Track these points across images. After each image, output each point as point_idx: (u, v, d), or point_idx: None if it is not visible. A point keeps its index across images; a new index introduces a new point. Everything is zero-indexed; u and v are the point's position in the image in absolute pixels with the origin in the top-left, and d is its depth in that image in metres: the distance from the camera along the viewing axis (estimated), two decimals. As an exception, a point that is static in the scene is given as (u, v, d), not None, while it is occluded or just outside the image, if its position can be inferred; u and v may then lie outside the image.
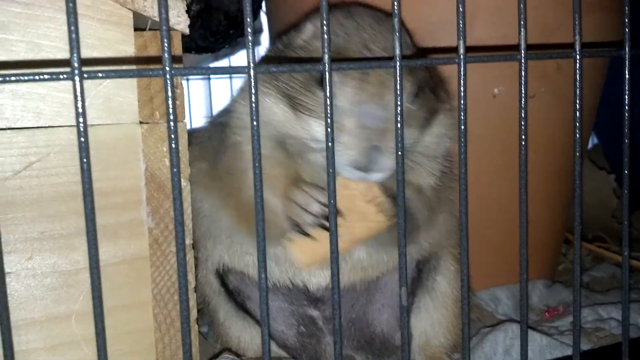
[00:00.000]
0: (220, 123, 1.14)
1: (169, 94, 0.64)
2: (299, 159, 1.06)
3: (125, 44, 0.92)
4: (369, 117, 0.95)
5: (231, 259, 1.18)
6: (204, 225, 1.17)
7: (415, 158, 1.06)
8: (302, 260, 1.04)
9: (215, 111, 2.86)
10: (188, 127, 1.04)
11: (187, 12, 0.94)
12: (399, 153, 0.76)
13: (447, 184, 1.13)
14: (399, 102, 0.74)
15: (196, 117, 2.90)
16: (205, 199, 1.15)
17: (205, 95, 2.96)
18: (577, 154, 0.86)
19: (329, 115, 0.71)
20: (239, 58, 2.64)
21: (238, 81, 2.44)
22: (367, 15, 1.07)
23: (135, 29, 0.93)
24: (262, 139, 1.03)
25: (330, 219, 0.73)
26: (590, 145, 2.29)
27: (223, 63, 2.66)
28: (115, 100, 0.92)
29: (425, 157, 1.08)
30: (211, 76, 2.49)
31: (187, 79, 2.00)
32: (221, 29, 1.49)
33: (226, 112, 1.15)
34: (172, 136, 0.65)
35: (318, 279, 1.13)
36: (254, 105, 0.68)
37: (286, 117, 1.03)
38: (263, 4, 1.64)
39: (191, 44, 1.50)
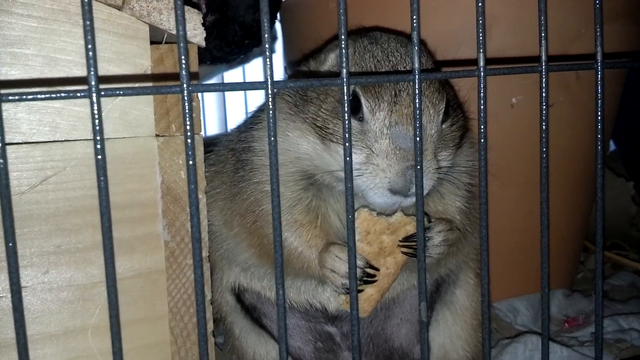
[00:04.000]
0: (237, 152, 1.13)
1: (187, 110, 0.63)
2: (329, 197, 1.07)
3: (141, 57, 0.92)
4: (402, 138, 0.94)
5: (247, 281, 1.19)
6: (222, 248, 1.17)
7: (444, 184, 1.06)
8: (362, 311, 1.04)
9: (229, 120, 2.84)
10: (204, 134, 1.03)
11: (203, 23, 0.94)
12: (418, 167, 0.75)
13: (474, 204, 1.12)
14: (417, 116, 0.74)
15: (210, 124, 2.91)
16: (223, 229, 1.15)
17: (218, 103, 2.96)
18: (599, 165, 0.85)
19: (346, 130, 0.70)
20: (253, 66, 2.64)
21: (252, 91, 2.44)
22: (391, 40, 1.07)
23: (152, 42, 0.93)
24: (290, 177, 1.05)
25: (347, 235, 0.72)
26: (608, 153, 2.27)
27: (237, 71, 2.66)
28: (131, 114, 0.92)
29: (454, 180, 1.07)
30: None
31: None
32: (236, 40, 1.49)
33: (244, 139, 1.14)
34: (190, 153, 0.64)
35: (338, 302, 1.12)
36: (271, 120, 0.68)
37: (315, 149, 1.03)
38: (278, 14, 1.64)
39: (206, 54, 1.50)
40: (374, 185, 0.95)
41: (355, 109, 0.98)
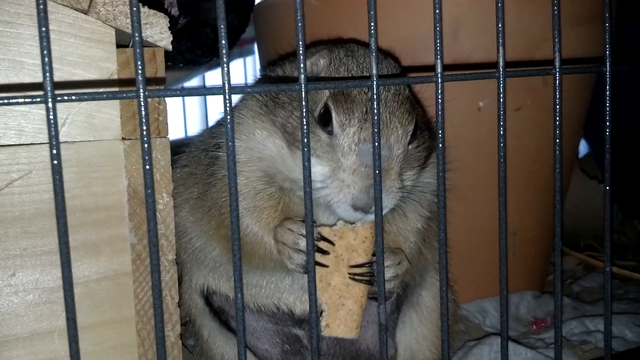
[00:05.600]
0: (208, 152, 1.14)
1: (143, 115, 0.64)
2: (292, 196, 1.07)
3: (107, 61, 0.93)
4: (369, 155, 0.94)
5: (216, 283, 1.20)
6: (189, 249, 1.18)
7: (407, 203, 1.06)
8: (349, 331, 1.04)
9: (210, 121, 2.86)
10: (184, 136, 1.04)
11: (175, 25, 0.95)
12: (377, 171, 0.76)
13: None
14: (375, 121, 0.75)
15: (192, 125, 2.91)
16: (193, 227, 1.16)
17: (200, 104, 2.97)
18: (557, 170, 0.86)
19: (305, 135, 0.71)
20: (234, 67, 2.65)
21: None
22: (367, 55, 1.07)
23: (118, 46, 0.93)
24: (254, 174, 1.05)
25: (307, 239, 0.73)
26: (582, 154, 2.29)
27: (216, 73, 2.67)
28: (97, 117, 0.93)
29: (416, 198, 1.08)
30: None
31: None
32: (208, 42, 1.49)
33: (215, 135, 1.14)
34: (147, 157, 0.65)
35: (304, 305, 1.14)
36: (229, 126, 0.68)
37: (280, 153, 1.03)
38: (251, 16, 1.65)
39: (178, 57, 1.50)
40: (337, 200, 0.96)
41: (326, 122, 0.98)
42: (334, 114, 0.97)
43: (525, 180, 1.42)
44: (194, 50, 1.50)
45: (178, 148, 1.20)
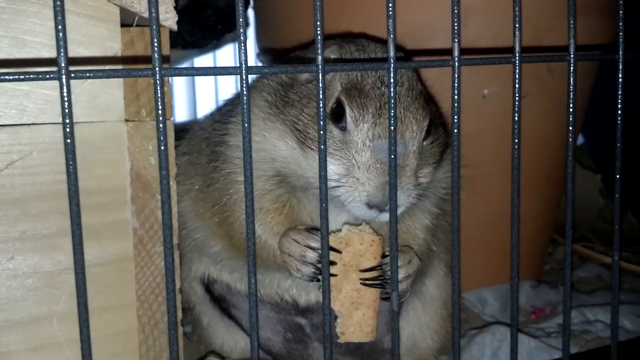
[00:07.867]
0: (211, 144, 1.12)
1: (159, 95, 0.62)
2: (302, 197, 1.05)
3: (112, 40, 0.90)
4: (384, 151, 0.92)
5: (217, 273, 1.18)
6: (193, 239, 1.16)
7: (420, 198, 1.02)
8: (364, 335, 1.02)
9: (199, 107, 2.82)
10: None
11: (175, 7, 0.92)
12: (392, 156, 0.75)
13: (447, 211, 1.12)
14: (392, 105, 0.73)
15: (179, 110, 2.88)
16: (194, 220, 1.14)
17: (187, 89, 2.93)
18: (570, 157, 0.85)
19: (321, 118, 0.70)
20: (225, 52, 2.61)
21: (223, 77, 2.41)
22: (378, 50, 1.06)
23: (122, 25, 0.91)
24: (263, 173, 1.03)
25: (321, 225, 0.72)
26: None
27: (208, 57, 2.64)
28: (101, 98, 0.90)
29: (428, 194, 1.06)
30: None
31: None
32: (209, 25, 1.47)
33: (219, 129, 1.12)
34: (162, 138, 0.63)
35: (309, 296, 1.12)
36: (245, 107, 0.67)
37: (292, 153, 1.01)
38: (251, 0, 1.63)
39: (178, 39, 1.48)
40: (352, 199, 0.94)
41: (339, 117, 0.96)
42: (347, 109, 0.95)
43: (525, 171, 1.40)
44: (194, 32, 1.48)
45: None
